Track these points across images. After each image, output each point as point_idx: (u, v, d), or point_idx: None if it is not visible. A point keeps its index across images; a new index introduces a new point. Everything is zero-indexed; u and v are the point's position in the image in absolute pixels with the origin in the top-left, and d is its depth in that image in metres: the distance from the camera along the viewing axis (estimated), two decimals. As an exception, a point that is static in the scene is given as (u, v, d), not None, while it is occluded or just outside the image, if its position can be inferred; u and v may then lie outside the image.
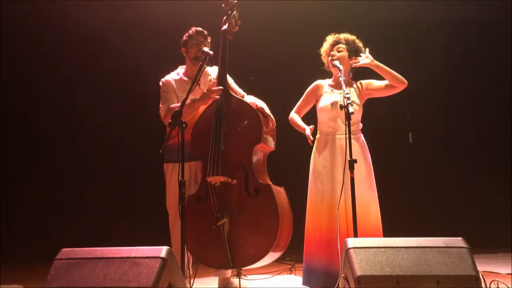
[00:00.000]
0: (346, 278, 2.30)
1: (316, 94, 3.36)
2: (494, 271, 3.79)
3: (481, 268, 2.44)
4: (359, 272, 2.17)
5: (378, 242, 2.30)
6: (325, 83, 3.39)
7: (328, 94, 3.32)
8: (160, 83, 3.47)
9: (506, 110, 5.72)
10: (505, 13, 5.58)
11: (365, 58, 3.30)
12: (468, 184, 5.66)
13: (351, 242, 2.29)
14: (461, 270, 2.18)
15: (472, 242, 2.37)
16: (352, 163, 2.84)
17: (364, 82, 3.40)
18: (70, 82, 5.65)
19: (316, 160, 3.26)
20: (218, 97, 3.23)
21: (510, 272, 3.80)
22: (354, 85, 3.37)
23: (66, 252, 2.34)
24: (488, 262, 4.23)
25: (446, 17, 5.65)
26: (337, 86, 3.32)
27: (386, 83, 3.34)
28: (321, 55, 3.43)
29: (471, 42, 5.76)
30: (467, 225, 5.45)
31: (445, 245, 2.26)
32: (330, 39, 3.40)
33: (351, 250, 2.24)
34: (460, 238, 2.33)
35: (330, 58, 3.31)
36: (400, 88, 3.34)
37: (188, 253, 3.06)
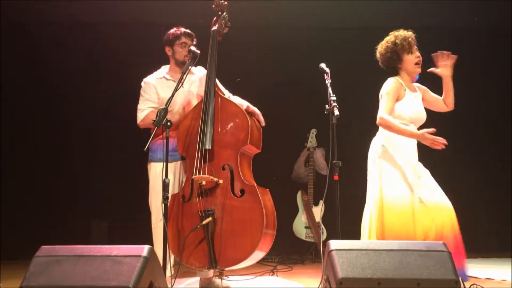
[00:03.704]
0: (328, 280, 2.31)
1: (399, 93, 3.18)
2: (473, 275, 3.83)
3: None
4: (341, 274, 2.18)
5: (360, 245, 2.31)
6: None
7: (410, 96, 3.19)
8: (142, 83, 3.44)
9: (487, 114, 5.82)
10: (489, 21, 5.69)
11: (445, 68, 3.22)
12: (446, 190, 5.72)
13: (334, 244, 2.30)
14: (441, 274, 2.21)
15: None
16: (336, 166, 2.85)
17: (422, 88, 3.33)
18: (51, 79, 5.58)
19: (396, 160, 3.13)
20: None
21: (489, 276, 3.85)
22: (417, 90, 3.27)
23: (46, 249, 2.30)
24: (468, 266, 4.28)
25: (429, 23, 5.72)
26: (409, 87, 3.23)
27: (440, 99, 3.29)
28: (388, 50, 3.23)
29: (454, 48, 5.83)
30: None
31: (426, 249, 2.28)
32: (408, 36, 3.21)
33: (334, 252, 2.25)
34: (440, 242, 2.36)
35: (417, 60, 3.20)
36: (447, 110, 3.30)
37: (171, 252, 3.05)
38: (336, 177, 2.84)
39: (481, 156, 5.81)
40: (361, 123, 5.66)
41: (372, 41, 5.67)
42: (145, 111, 3.35)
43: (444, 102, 3.31)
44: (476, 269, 4.18)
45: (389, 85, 3.19)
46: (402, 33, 3.23)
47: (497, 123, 5.86)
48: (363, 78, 5.67)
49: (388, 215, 3.06)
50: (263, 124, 3.35)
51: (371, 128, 5.71)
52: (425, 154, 3.27)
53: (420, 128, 3.22)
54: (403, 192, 3.09)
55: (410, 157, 3.18)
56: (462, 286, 2.25)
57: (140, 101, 3.40)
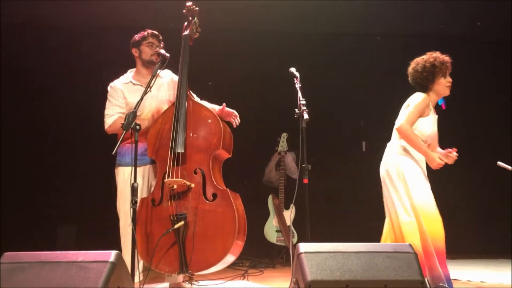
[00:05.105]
0: (297, 283, 2.32)
1: (425, 111, 3.26)
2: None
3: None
4: (309, 276, 2.19)
5: (329, 247, 2.33)
6: None
7: (433, 116, 3.30)
8: (108, 88, 3.40)
9: (453, 121, 5.96)
10: (457, 31, 5.85)
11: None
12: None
13: (303, 247, 2.31)
14: (408, 275, 2.25)
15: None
16: (305, 169, 2.87)
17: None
18: (20, 82, 5.45)
19: (417, 167, 3.20)
20: None
21: (455, 277, 3.94)
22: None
23: (9, 256, 2.24)
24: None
25: (400, 30, 5.85)
26: (433, 107, 3.32)
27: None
28: (421, 68, 3.29)
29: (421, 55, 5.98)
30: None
31: (393, 250, 2.33)
32: (446, 60, 3.30)
33: (303, 255, 2.27)
34: (407, 243, 2.41)
35: (449, 84, 3.29)
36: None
37: (139, 257, 3.01)
38: (305, 181, 2.86)
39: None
40: (332, 126, 5.78)
41: (342, 46, 5.82)
42: (113, 116, 3.31)
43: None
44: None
45: (419, 100, 3.24)
46: (441, 56, 3.32)
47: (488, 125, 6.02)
48: (333, 82, 5.76)
49: (429, 221, 3.09)
50: (237, 123, 3.36)
51: (342, 131, 5.85)
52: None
53: None
54: (432, 197, 3.16)
55: (424, 164, 3.28)
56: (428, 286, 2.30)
57: (107, 106, 3.36)
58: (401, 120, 3.22)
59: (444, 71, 3.29)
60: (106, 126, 3.32)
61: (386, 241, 3.23)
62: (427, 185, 3.19)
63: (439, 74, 3.27)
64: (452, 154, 3.28)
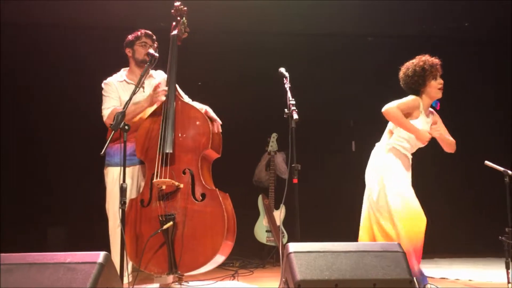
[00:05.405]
0: (286, 282, 2.32)
1: (414, 111, 3.28)
2: (428, 275, 3.93)
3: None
4: (299, 276, 2.20)
5: (318, 247, 2.34)
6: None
7: (424, 118, 3.31)
8: (103, 85, 3.42)
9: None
10: (443, 31, 5.90)
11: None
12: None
13: (292, 246, 2.32)
14: (396, 274, 2.27)
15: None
16: (295, 169, 2.88)
17: (436, 115, 3.43)
18: (13, 83, 5.40)
19: (401, 168, 3.24)
20: (164, 98, 3.19)
21: (443, 276, 3.97)
22: (430, 115, 3.38)
23: (-3, 257, 2.22)
24: (423, 266, 4.40)
25: (392, 31, 5.87)
26: (425, 110, 3.33)
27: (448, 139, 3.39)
28: (412, 72, 3.30)
29: (411, 56, 6.01)
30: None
31: (381, 250, 2.34)
32: (436, 63, 3.31)
33: (292, 255, 2.27)
34: (396, 242, 2.42)
35: (440, 86, 3.29)
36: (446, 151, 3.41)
37: (128, 259, 2.99)
38: (295, 180, 2.86)
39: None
40: (322, 126, 5.79)
41: (333, 47, 5.83)
42: (110, 108, 3.34)
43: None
44: (431, 269, 4.29)
45: (411, 98, 3.29)
46: (430, 59, 3.33)
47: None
48: (323, 83, 5.78)
49: (408, 221, 3.12)
50: (220, 130, 3.35)
51: (332, 131, 5.86)
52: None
53: (415, 152, 3.37)
54: (413, 195, 3.20)
55: (409, 162, 3.32)
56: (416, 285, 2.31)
57: (104, 101, 3.40)
58: (390, 104, 3.23)
59: (435, 73, 3.30)
60: (105, 118, 3.35)
61: (364, 238, 3.26)
62: (407, 185, 3.22)
63: (429, 77, 3.28)
64: (434, 126, 3.32)
